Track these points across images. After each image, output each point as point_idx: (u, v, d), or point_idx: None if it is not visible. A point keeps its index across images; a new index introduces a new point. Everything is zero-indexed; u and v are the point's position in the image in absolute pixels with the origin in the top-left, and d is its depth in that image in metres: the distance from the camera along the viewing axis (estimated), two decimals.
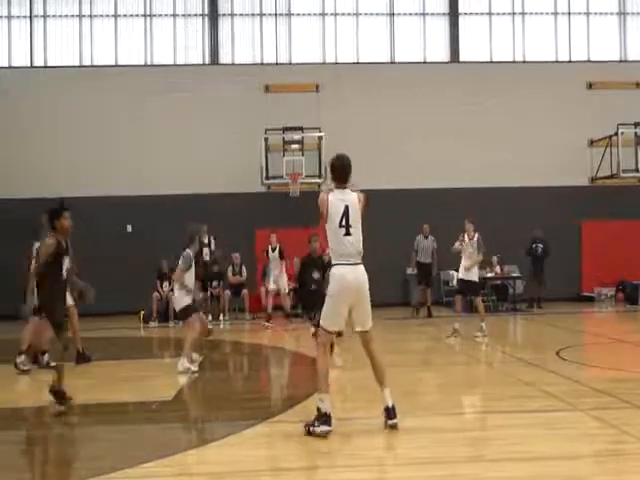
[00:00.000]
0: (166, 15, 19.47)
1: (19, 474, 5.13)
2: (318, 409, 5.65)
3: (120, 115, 18.50)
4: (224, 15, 19.60)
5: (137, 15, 19.39)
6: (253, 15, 19.64)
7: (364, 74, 19.08)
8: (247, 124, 18.18)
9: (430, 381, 8.34)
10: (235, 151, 18.20)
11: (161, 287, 16.07)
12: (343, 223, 5.92)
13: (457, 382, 8.44)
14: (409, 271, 17.18)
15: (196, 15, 19.53)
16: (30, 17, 19.19)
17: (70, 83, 18.52)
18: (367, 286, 5.94)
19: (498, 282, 17.40)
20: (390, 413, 5.78)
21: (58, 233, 6.97)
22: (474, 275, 12.12)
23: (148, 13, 19.41)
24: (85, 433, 6.31)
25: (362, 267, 5.93)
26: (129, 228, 18.22)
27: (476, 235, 12.14)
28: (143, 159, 18.39)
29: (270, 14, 19.64)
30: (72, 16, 19.25)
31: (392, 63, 19.71)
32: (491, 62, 19.81)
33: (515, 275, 17.36)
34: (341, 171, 6.53)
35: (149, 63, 19.31)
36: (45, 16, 19.22)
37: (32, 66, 19.12)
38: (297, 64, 19.31)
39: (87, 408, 7.12)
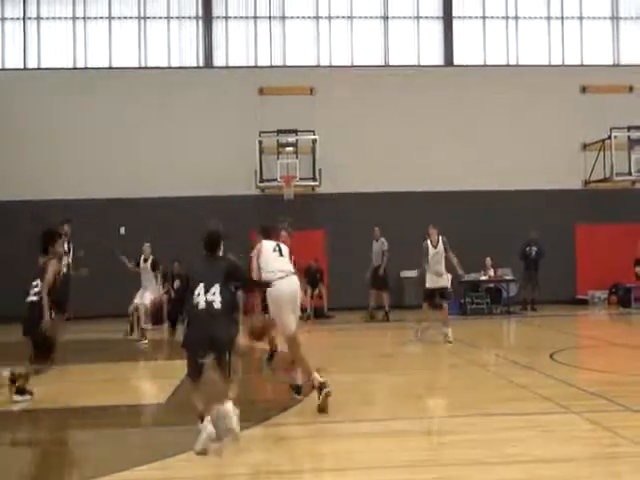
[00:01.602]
0: (160, 17, 19.46)
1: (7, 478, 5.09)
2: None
3: (113, 117, 18.45)
4: (218, 18, 19.59)
5: (131, 17, 19.36)
6: (247, 18, 19.64)
7: (358, 77, 19.11)
8: (241, 127, 18.16)
9: (422, 384, 8.33)
10: (229, 154, 18.17)
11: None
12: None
13: (450, 385, 8.44)
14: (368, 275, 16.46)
15: (190, 18, 19.52)
16: (23, 19, 19.14)
17: (64, 85, 18.49)
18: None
19: (491, 285, 17.42)
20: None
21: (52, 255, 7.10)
22: (447, 281, 12.00)
23: (142, 15, 19.39)
24: (80, 436, 6.27)
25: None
26: (122, 230, 18.14)
27: (440, 238, 11.89)
28: (136, 161, 18.33)
29: (264, 17, 19.65)
30: (66, 18, 19.21)
31: (386, 66, 19.76)
32: (485, 66, 19.89)
33: (509, 278, 17.39)
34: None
35: (143, 65, 19.28)
36: (39, 18, 19.17)
37: (25, 68, 19.06)
38: (291, 67, 19.33)
39: (76, 412, 7.08)
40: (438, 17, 20.01)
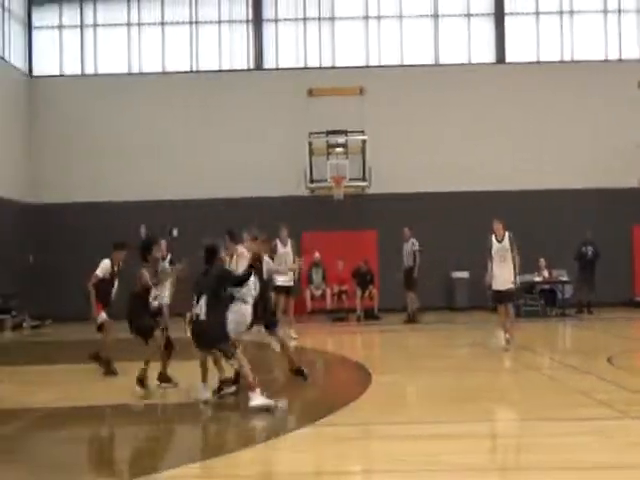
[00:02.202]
0: (211, 22, 19.75)
1: (57, 473, 5.23)
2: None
3: (167, 120, 18.83)
4: (268, 20, 19.76)
5: (183, 22, 19.71)
6: (297, 20, 19.75)
7: (408, 76, 18.99)
8: (291, 128, 18.28)
9: (475, 387, 8.21)
10: (279, 155, 18.32)
11: None
12: None
13: (504, 388, 8.30)
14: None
15: (240, 21, 19.75)
16: (81, 26, 19.69)
17: (119, 90, 18.95)
18: None
19: (546, 287, 17.06)
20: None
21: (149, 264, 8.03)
22: (509, 282, 10.71)
23: (194, 20, 19.71)
24: (129, 434, 6.40)
25: None
26: (175, 232, 18.46)
27: (507, 233, 10.74)
28: (189, 164, 18.67)
29: (314, 18, 19.73)
30: (121, 24, 19.69)
31: (436, 65, 19.57)
32: (538, 62, 19.49)
33: (564, 279, 16.99)
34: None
35: (195, 69, 19.60)
36: (95, 25, 19.70)
37: (83, 74, 19.61)
38: (341, 67, 19.34)
39: (128, 409, 7.24)
40: (489, 14, 19.73)
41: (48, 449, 5.79)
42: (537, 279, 16.68)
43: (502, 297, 10.80)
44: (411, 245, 15.56)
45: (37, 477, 5.09)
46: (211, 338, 6.90)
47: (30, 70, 19.53)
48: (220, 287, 6.98)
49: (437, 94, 18.83)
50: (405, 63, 19.53)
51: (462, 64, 19.45)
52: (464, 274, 17.51)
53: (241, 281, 7.24)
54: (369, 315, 16.31)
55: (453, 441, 5.58)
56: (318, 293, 16.63)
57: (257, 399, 6.56)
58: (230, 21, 19.78)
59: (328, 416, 6.45)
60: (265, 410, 6.49)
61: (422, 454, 5.24)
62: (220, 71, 19.53)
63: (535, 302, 16.63)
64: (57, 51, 19.67)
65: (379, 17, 19.75)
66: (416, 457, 5.15)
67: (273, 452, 5.48)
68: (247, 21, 19.76)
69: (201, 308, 6.84)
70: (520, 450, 5.34)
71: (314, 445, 5.70)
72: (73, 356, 10.30)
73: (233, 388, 7.44)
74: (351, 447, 5.58)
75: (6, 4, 18.43)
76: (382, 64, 19.57)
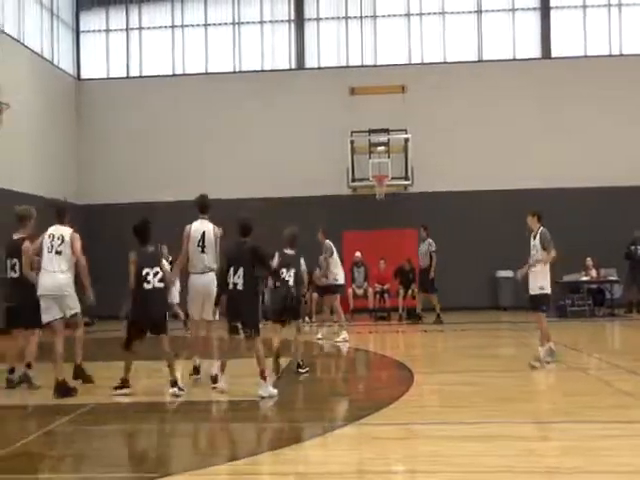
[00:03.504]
0: (253, 22, 19.90)
1: (112, 467, 5.35)
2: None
3: (210, 121, 19.06)
4: (310, 20, 19.81)
5: (225, 23, 19.91)
6: (338, 18, 19.75)
7: (451, 73, 18.81)
8: (333, 127, 18.29)
9: (519, 387, 8.07)
10: (321, 154, 18.35)
11: None
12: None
13: (548, 389, 8.15)
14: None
15: (282, 21, 19.85)
16: (126, 30, 20.08)
17: (164, 91, 19.26)
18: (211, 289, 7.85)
19: (594, 286, 16.66)
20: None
21: None
22: (536, 284, 9.17)
23: (236, 21, 19.90)
24: (177, 429, 6.50)
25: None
26: (220, 232, 18.65)
27: (540, 229, 9.22)
28: (231, 164, 18.86)
29: (355, 17, 19.70)
30: (165, 27, 20.00)
31: (480, 61, 19.33)
32: (585, 57, 19.06)
33: (613, 279, 16.57)
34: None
35: (237, 70, 19.78)
36: (140, 28, 20.06)
37: (128, 76, 19.99)
38: (382, 66, 19.27)
39: (175, 405, 7.35)
40: (535, 8, 19.40)
41: (100, 443, 5.93)
42: (584, 278, 16.32)
43: (531, 302, 9.32)
44: (427, 245, 15.34)
45: (95, 471, 5.21)
46: (246, 309, 7.32)
47: (78, 73, 20.01)
48: (252, 262, 7.36)
49: (481, 91, 18.60)
50: (448, 60, 19.34)
51: (506, 60, 19.17)
52: (509, 273, 17.23)
53: (268, 268, 7.75)
54: (411, 314, 16.20)
55: (496, 442, 5.50)
56: (360, 292, 16.60)
57: (266, 389, 7.17)
58: (272, 21, 19.90)
59: (370, 415, 6.43)
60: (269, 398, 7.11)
61: (466, 455, 5.17)
62: (262, 71, 19.67)
63: (582, 302, 16.27)
64: (104, 54, 20.10)
65: (421, 14, 19.61)
66: (460, 458, 5.10)
67: (316, 451, 5.49)
68: (289, 21, 19.85)
69: (239, 278, 7.23)
70: (565, 453, 5.22)
71: (356, 444, 5.70)
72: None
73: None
74: (394, 447, 5.55)
75: (55, 10, 18.92)
76: (424, 61, 19.41)
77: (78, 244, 7.78)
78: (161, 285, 7.55)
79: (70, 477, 5.04)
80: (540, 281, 9.13)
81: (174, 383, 7.49)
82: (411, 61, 19.49)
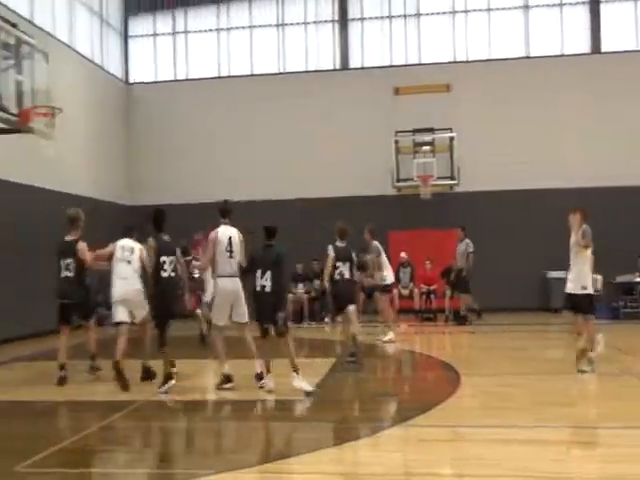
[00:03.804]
0: (297, 23, 19.98)
1: (165, 462, 5.45)
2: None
3: (255, 122, 19.21)
4: (353, 20, 19.79)
5: (270, 25, 20.05)
6: (382, 18, 19.67)
7: (497, 71, 18.54)
8: (377, 127, 18.24)
9: (569, 391, 7.90)
10: (365, 154, 18.31)
11: (295, 289, 16.43)
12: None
13: (599, 394, 7.95)
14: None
15: (326, 21, 19.87)
16: (173, 33, 20.41)
17: (210, 94, 19.51)
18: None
19: None
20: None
21: None
22: (576, 284, 8.68)
23: (280, 22, 20.01)
24: (225, 427, 6.57)
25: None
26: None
27: (584, 226, 8.73)
28: (276, 165, 18.98)
29: (399, 15, 19.59)
30: (210, 30, 20.25)
31: (527, 58, 18.98)
32: (636, 51, 18.53)
33: None
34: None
35: (282, 71, 19.88)
36: (186, 32, 20.36)
37: (175, 79, 20.31)
38: (427, 64, 19.10)
39: (224, 404, 7.43)
40: (584, 2, 18.95)
41: (159, 439, 6.04)
42: (638, 279, 15.86)
43: (573, 303, 8.76)
44: (465, 246, 15.15)
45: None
46: (275, 310, 7.61)
47: (126, 77, 20.42)
48: (280, 265, 7.72)
49: (528, 87, 18.26)
50: (494, 57, 19.06)
51: (555, 56, 18.76)
52: (560, 274, 16.87)
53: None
54: (458, 316, 16.00)
55: (546, 447, 5.40)
56: (406, 293, 16.49)
57: (301, 382, 7.47)
58: (316, 22, 19.95)
59: (417, 417, 6.39)
60: (306, 394, 7.35)
61: (515, 459, 5.09)
62: (306, 72, 19.73)
63: (636, 304, 15.82)
64: (151, 58, 20.47)
65: (466, 11, 19.38)
66: (509, 462, 5.02)
67: (361, 451, 5.48)
68: (333, 21, 19.86)
69: (267, 280, 7.58)
70: (616, 460, 5.09)
71: (402, 446, 5.67)
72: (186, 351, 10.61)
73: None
74: (440, 449, 5.50)
75: (104, 16, 19.35)
76: (470, 59, 19.18)
77: (143, 254, 8.33)
78: (174, 274, 7.92)
79: (122, 472, 5.15)
80: (580, 280, 8.66)
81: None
82: (456, 59, 19.27)
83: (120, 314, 8.30)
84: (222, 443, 6.05)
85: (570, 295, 8.74)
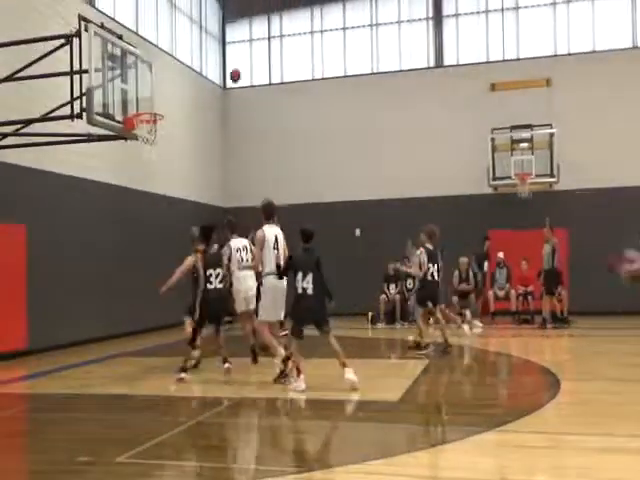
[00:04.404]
0: (391, 23, 19.88)
1: (255, 458, 5.57)
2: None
3: (350, 124, 19.29)
4: (448, 16, 19.48)
5: (364, 25, 20.06)
6: (478, 13, 19.25)
7: (602, 63, 17.70)
8: (473, 125, 17.90)
9: None
10: (461, 153, 18.01)
11: (388, 289, 16.37)
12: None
13: None
14: None
15: (420, 19, 19.67)
16: (268, 38, 20.82)
17: (304, 96, 19.77)
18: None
19: None
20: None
21: None
22: None
23: (374, 22, 19.98)
24: (312, 427, 6.64)
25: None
26: (357, 232, 18.90)
27: None
28: (370, 164, 18.98)
29: (496, 10, 19.10)
30: (305, 33, 20.51)
31: (635, 48, 18.01)
32: None
33: None
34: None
35: (375, 71, 19.85)
36: (281, 36, 20.72)
37: (270, 83, 20.72)
38: (525, 59, 18.52)
39: (314, 403, 7.51)
40: None
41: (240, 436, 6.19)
42: None
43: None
44: (552, 246, 14.65)
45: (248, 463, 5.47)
46: (319, 311, 7.89)
47: (224, 82, 21.04)
48: (320, 268, 7.92)
49: (634, 80, 17.32)
50: (597, 49, 18.21)
51: None
52: None
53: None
54: (557, 318, 15.41)
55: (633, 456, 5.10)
56: (502, 294, 16.05)
57: (351, 374, 7.71)
58: (410, 20, 19.79)
59: (512, 422, 6.21)
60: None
61: (619, 469, 4.85)
62: (400, 71, 19.60)
63: None
64: (247, 63, 20.97)
65: (568, 2, 18.62)
66: (612, 473, 4.79)
67: (453, 455, 5.38)
68: (427, 19, 19.63)
69: (308, 283, 7.80)
70: None
71: (497, 451, 5.52)
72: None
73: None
74: (537, 456, 5.31)
75: (203, 23, 20.02)
76: (572, 52, 18.42)
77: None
78: (220, 286, 8.63)
79: (215, 466, 5.30)
80: None
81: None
82: (557, 52, 18.56)
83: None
84: (310, 442, 6.11)
85: None
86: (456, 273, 15.62)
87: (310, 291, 7.80)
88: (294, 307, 7.92)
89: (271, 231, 8.57)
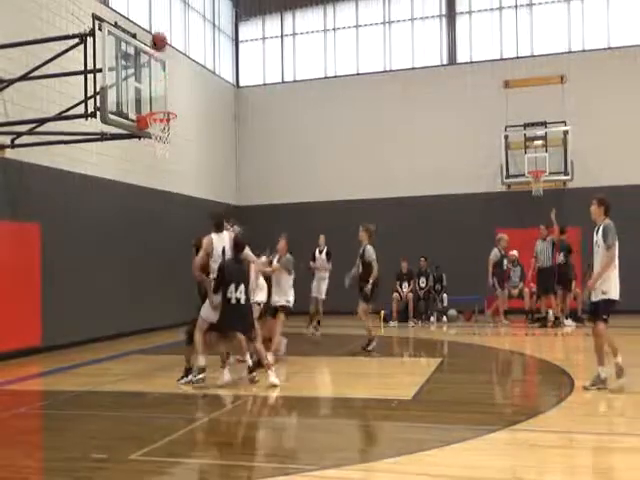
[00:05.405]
0: (404, 20, 19.82)
1: (270, 456, 5.59)
2: None
3: (362, 121, 19.27)
4: (461, 13, 19.39)
5: (376, 23, 20.01)
6: (492, 10, 19.15)
7: (617, 59, 17.55)
8: (486, 122, 17.82)
9: None
10: (474, 150, 17.94)
11: (400, 287, 16.34)
12: None
13: None
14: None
15: (433, 17, 19.59)
16: (281, 36, 20.83)
17: (317, 94, 19.76)
18: None
19: None
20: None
21: None
22: (600, 291, 7.55)
23: (387, 20, 19.93)
24: (326, 424, 6.64)
25: None
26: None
27: (604, 221, 7.60)
28: (382, 162, 18.93)
29: (510, 6, 18.99)
30: (317, 31, 20.49)
31: None
32: None
33: None
34: None
35: (388, 69, 19.80)
36: (294, 34, 20.72)
37: (283, 81, 20.73)
38: (539, 56, 18.40)
39: (328, 402, 7.52)
40: None
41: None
42: None
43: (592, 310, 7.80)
44: (549, 243, 14.69)
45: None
46: (250, 320, 8.39)
47: (237, 81, 21.07)
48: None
49: None
50: (612, 45, 18.05)
51: None
52: None
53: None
54: (572, 317, 15.31)
55: None
56: (515, 293, 15.97)
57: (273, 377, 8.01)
58: (423, 17, 19.72)
59: (526, 421, 6.19)
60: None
61: (633, 469, 4.82)
62: (413, 69, 19.54)
63: None
64: (260, 61, 21.00)
65: None
66: (628, 473, 4.76)
67: (465, 454, 5.36)
68: (440, 16, 19.55)
69: (241, 293, 8.07)
70: None
71: (509, 450, 5.50)
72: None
73: None
74: (550, 456, 5.29)
75: (216, 22, 20.07)
76: (586, 49, 18.27)
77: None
78: (242, 298, 8.21)
79: (229, 464, 5.32)
80: (601, 285, 7.52)
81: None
82: (571, 49, 18.42)
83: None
84: (326, 440, 6.11)
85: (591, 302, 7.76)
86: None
87: (243, 301, 8.07)
88: (229, 316, 8.00)
89: (220, 240, 8.32)
